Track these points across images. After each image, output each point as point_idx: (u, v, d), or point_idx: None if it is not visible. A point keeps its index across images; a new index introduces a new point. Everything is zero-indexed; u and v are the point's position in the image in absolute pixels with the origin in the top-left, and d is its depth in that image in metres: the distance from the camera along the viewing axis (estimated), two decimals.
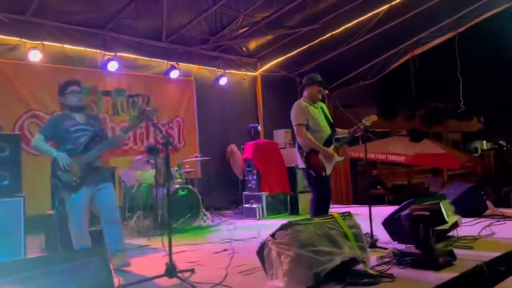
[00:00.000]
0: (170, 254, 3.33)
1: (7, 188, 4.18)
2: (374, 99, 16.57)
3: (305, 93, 4.62)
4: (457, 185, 5.97)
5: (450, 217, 4.10)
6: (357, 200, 10.57)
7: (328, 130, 4.49)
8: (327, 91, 4.63)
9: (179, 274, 3.28)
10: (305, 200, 7.06)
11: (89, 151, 3.78)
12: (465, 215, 4.85)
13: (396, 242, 4.07)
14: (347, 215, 3.32)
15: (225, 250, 4.49)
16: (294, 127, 4.47)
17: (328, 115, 4.64)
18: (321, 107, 4.64)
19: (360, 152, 10.92)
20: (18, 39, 6.29)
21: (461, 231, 4.30)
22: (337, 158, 4.49)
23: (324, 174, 4.38)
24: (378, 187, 12.44)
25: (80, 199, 3.72)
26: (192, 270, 3.56)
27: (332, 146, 4.47)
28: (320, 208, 4.35)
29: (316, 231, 2.96)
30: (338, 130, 4.63)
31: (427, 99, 15.91)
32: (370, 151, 12.84)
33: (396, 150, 13.12)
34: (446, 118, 18.29)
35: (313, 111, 4.48)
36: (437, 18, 8.54)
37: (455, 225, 4.25)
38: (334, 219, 3.19)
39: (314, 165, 4.36)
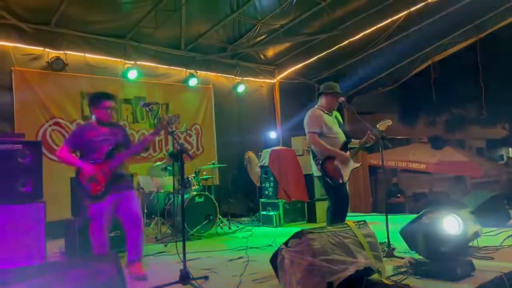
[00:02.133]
0: (184, 260, 3.35)
1: (28, 194, 4.28)
2: (394, 106, 16.35)
3: (322, 101, 4.53)
4: (479, 194, 5.84)
5: (470, 226, 4.01)
6: (377, 208, 10.42)
7: (343, 137, 4.44)
8: (343, 98, 4.57)
9: (193, 281, 3.30)
10: (322, 208, 6.97)
11: (113, 159, 3.81)
12: (487, 224, 4.74)
13: (414, 251, 3.99)
14: (362, 224, 3.28)
15: (240, 257, 4.49)
16: (307, 135, 4.41)
17: (342, 124, 4.59)
18: (335, 116, 4.60)
19: (379, 159, 10.79)
20: (42, 49, 6.50)
21: (482, 241, 4.19)
22: (354, 164, 4.44)
23: (341, 181, 4.33)
24: (398, 195, 12.22)
25: (104, 207, 3.75)
26: (206, 277, 3.56)
27: (348, 153, 4.41)
28: (337, 215, 4.28)
29: (330, 240, 2.92)
30: (353, 140, 4.57)
31: (448, 105, 15.59)
32: (390, 158, 12.69)
33: (417, 157, 12.92)
34: (468, 125, 17.88)
35: (327, 119, 4.43)
36: (458, 24, 8.41)
37: (475, 235, 4.15)
38: (348, 228, 3.15)
39: (331, 172, 4.31)
